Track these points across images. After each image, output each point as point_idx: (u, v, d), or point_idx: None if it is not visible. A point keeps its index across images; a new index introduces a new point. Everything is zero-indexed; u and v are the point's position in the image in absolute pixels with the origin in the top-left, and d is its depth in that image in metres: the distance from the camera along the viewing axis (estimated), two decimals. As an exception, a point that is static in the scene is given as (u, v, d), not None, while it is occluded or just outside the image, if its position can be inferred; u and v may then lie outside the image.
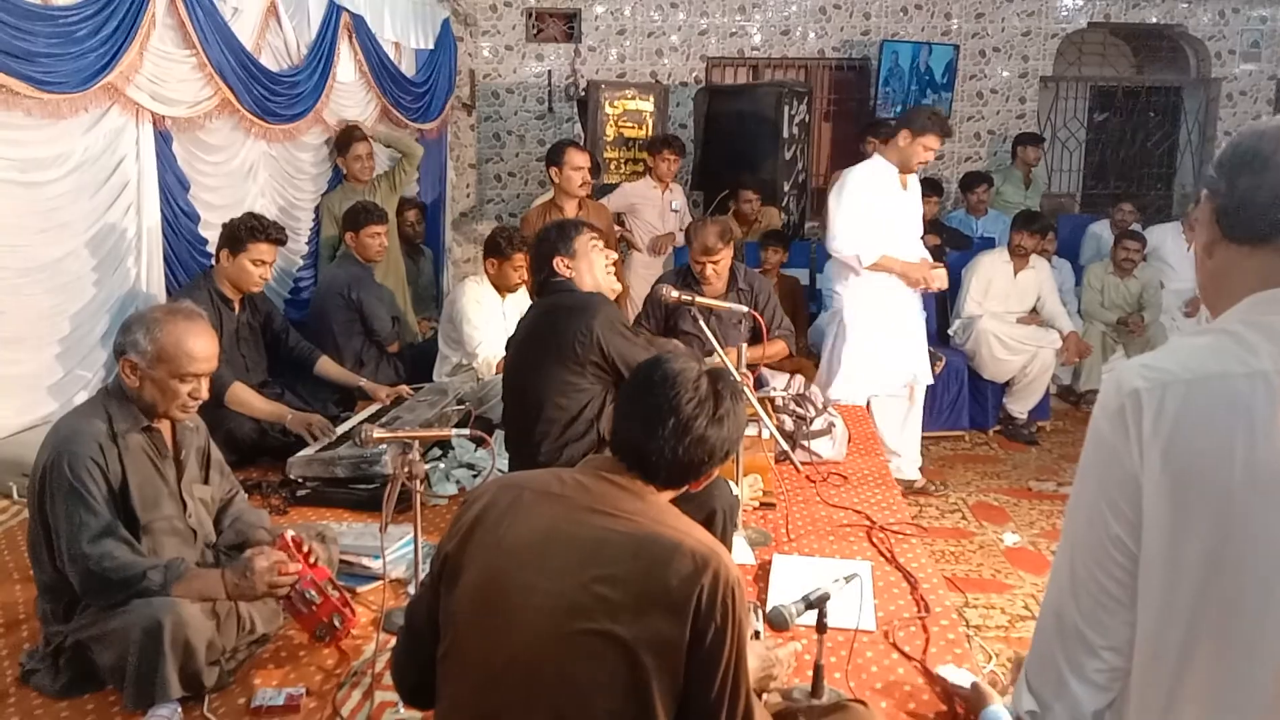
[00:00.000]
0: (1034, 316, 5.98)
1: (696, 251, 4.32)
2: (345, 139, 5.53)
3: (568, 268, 3.09)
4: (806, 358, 5.47)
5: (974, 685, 2.26)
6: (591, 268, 3.12)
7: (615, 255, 3.29)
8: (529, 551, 1.58)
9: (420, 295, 6.43)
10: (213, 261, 4.09)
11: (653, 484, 1.67)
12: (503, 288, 4.65)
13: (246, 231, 3.88)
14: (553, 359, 2.99)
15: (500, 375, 4.23)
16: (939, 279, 4.64)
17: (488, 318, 4.57)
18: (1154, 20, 8.38)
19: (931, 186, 6.99)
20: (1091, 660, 1.22)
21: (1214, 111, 8.58)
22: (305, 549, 2.49)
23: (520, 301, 4.60)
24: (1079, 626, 1.22)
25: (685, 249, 5.80)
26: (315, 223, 5.55)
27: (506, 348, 3.28)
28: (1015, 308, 5.95)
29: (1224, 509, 1.12)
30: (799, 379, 4.30)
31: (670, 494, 1.72)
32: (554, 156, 5.18)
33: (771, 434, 3.23)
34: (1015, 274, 5.90)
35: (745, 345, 3.40)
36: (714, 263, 4.32)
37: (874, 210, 4.57)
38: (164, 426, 2.47)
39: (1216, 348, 1.17)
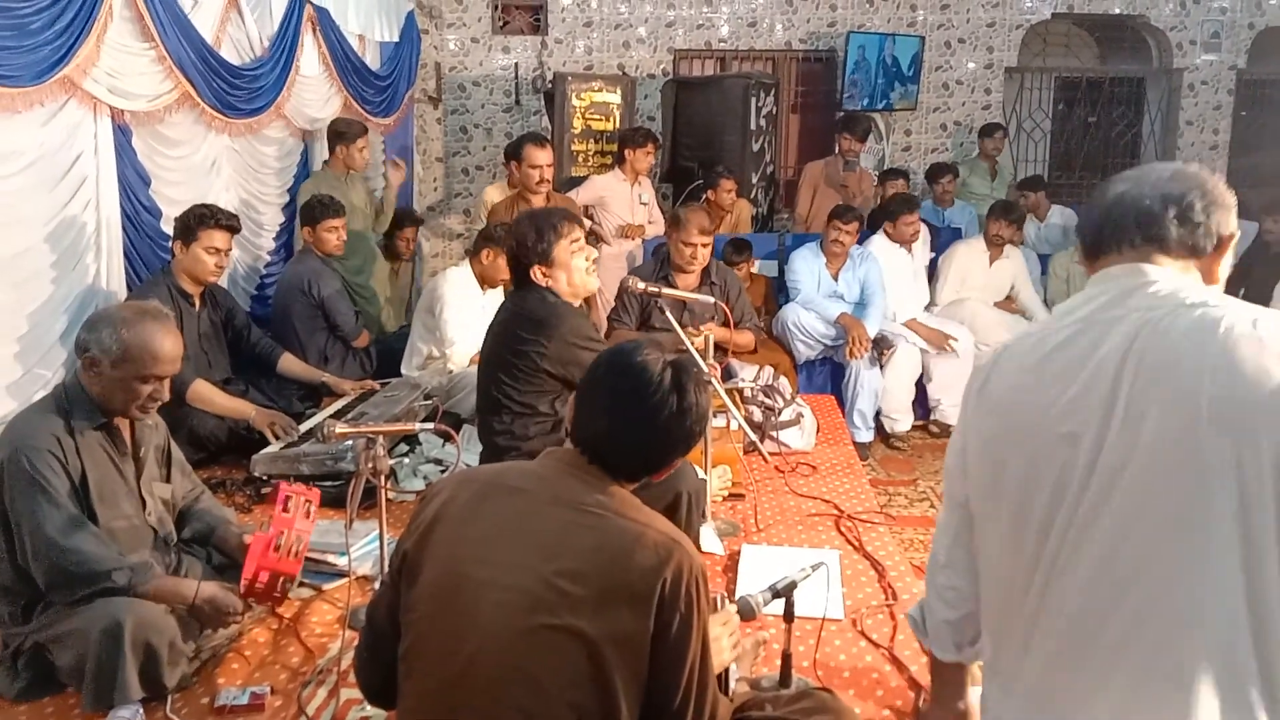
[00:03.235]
0: (1010, 304, 6.04)
1: (693, 232, 4.32)
2: (351, 129, 5.37)
3: (545, 276, 2.99)
4: (781, 349, 5.47)
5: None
6: (570, 274, 3.01)
7: (596, 254, 3.15)
8: (489, 546, 1.55)
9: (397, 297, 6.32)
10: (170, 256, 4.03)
11: (613, 476, 1.63)
12: (487, 280, 4.55)
13: (197, 220, 3.82)
14: (512, 363, 2.96)
15: (470, 368, 4.21)
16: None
17: (467, 308, 4.46)
18: (1117, 11, 8.46)
19: (898, 176, 7.03)
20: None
21: (1176, 101, 8.67)
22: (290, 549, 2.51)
23: (500, 297, 4.52)
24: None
25: (653, 241, 5.83)
26: (286, 218, 5.47)
27: (485, 338, 3.23)
28: (991, 297, 5.99)
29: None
30: (769, 370, 4.31)
31: (632, 484, 1.69)
32: (513, 151, 5.16)
33: (740, 425, 3.23)
34: (991, 263, 5.94)
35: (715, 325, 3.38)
36: (705, 246, 4.39)
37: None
38: (123, 424, 2.44)
39: None
